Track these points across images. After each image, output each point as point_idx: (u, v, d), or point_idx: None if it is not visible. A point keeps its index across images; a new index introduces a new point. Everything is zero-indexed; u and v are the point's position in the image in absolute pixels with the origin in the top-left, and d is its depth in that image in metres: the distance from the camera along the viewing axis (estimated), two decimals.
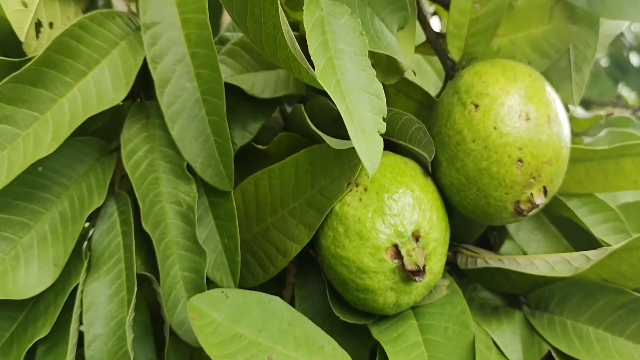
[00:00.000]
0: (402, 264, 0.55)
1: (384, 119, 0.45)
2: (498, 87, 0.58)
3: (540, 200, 0.57)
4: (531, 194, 0.57)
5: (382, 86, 0.45)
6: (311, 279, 0.64)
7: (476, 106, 0.58)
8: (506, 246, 0.75)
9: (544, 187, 0.58)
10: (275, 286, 0.66)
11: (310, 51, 0.44)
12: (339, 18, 0.46)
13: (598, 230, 0.67)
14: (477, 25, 0.62)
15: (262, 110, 0.70)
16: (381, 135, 0.45)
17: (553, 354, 0.59)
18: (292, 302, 0.64)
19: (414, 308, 0.61)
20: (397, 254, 0.55)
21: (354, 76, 0.45)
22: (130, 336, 0.53)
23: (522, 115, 0.57)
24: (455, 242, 0.67)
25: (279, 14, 0.44)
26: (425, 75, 0.92)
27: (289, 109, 0.76)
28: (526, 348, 0.60)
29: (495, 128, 0.57)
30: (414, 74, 0.66)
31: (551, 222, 0.69)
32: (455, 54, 0.65)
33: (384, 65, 0.64)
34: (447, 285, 0.61)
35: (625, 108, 2.01)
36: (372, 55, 0.65)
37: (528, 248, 0.67)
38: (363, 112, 0.44)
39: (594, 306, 0.59)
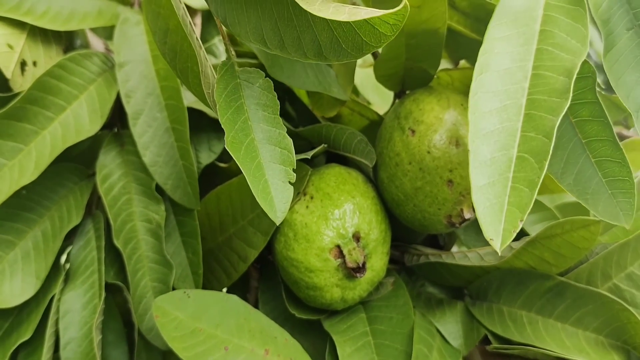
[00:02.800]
0: (344, 262, 0.61)
1: (293, 170, 0.51)
2: (433, 115, 0.64)
3: (469, 215, 0.63)
4: (461, 210, 0.63)
5: (291, 141, 0.52)
6: (273, 283, 0.71)
7: (413, 131, 0.64)
8: (456, 247, 0.82)
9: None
10: (241, 290, 0.72)
11: (223, 118, 0.51)
12: (254, 83, 0.54)
13: (536, 229, 0.74)
14: None
15: None
16: (291, 184, 0.51)
17: (489, 336, 0.65)
18: (256, 305, 0.71)
19: (364, 303, 0.67)
20: (340, 254, 0.62)
21: (267, 134, 0.52)
22: (97, 337, 0.60)
23: (453, 141, 0.63)
24: (404, 242, 0.74)
25: (195, 52, 0.52)
26: None
27: None
28: (466, 334, 0.66)
29: (428, 152, 0.63)
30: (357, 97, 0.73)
31: None
32: None
33: (325, 99, 0.72)
34: (392, 282, 0.68)
35: None
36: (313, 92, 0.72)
37: (474, 247, 0.73)
38: (274, 164, 0.51)
39: (525, 292, 0.65)
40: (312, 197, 0.64)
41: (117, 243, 0.66)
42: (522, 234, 0.71)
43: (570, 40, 0.49)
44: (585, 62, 0.53)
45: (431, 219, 0.64)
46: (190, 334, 0.57)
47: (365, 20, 0.43)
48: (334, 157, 0.73)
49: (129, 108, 0.70)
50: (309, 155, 0.64)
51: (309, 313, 0.66)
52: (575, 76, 0.46)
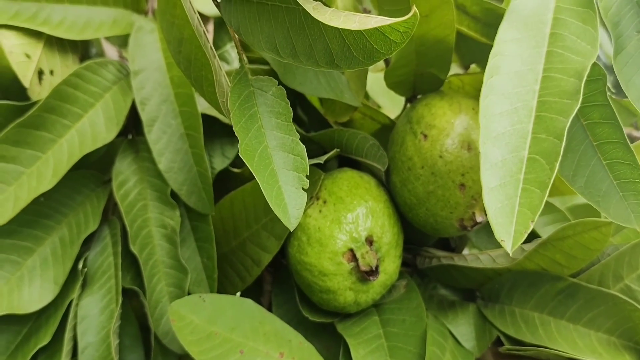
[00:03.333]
0: (357, 266, 0.62)
1: (306, 176, 0.52)
2: (445, 119, 0.65)
3: (481, 218, 0.64)
4: (473, 213, 0.64)
5: (304, 148, 0.52)
6: (286, 287, 0.72)
7: (425, 136, 0.65)
8: (467, 250, 0.82)
9: None
10: (254, 294, 0.73)
11: (237, 126, 0.52)
12: (267, 91, 0.55)
13: (547, 231, 0.74)
14: None
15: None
16: (304, 190, 0.51)
17: (502, 338, 0.65)
18: (269, 309, 0.71)
19: (377, 306, 0.68)
20: (353, 257, 0.63)
21: (280, 141, 0.52)
22: (114, 342, 0.61)
23: (465, 146, 0.63)
24: (416, 245, 0.75)
25: (209, 61, 0.53)
26: None
27: None
28: (479, 336, 0.66)
29: (440, 157, 0.64)
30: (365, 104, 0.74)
31: None
32: None
33: (337, 105, 0.73)
34: (405, 284, 0.68)
35: None
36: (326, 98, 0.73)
37: (485, 250, 0.74)
38: (287, 171, 0.51)
39: (537, 294, 0.65)
40: (325, 202, 0.65)
41: (134, 249, 0.67)
42: (533, 235, 0.71)
43: (580, 43, 0.50)
44: (595, 65, 0.53)
45: (443, 222, 0.65)
46: (206, 338, 0.58)
47: (376, 28, 0.43)
48: (347, 161, 0.74)
49: (144, 115, 0.71)
50: (321, 160, 0.65)
51: (323, 316, 0.67)
52: (585, 78, 0.47)
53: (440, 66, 0.67)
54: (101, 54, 0.82)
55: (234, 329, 0.59)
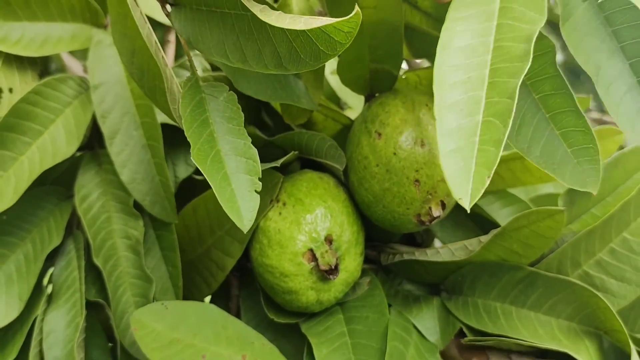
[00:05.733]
0: (317, 265, 0.63)
1: (259, 179, 0.53)
2: (398, 117, 0.65)
3: (437, 212, 0.65)
4: (430, 208, 0.65)
5: (256, 151, 0.53)
6: (253, 290, 0.72)
7: (379, 134, 0.66)
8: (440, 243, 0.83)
9: (441, 201, 0.65)
10: (223, 299, 0.74)
11: (188, 131, 0.52)
12: (219, 96, 0.55)
13: None
14: None
15: None
16: (257, 193, 0.53)
17: (465, 329, 0.66)
18: (238, 312, 0.72)
19: (342, 304, 0.69)
20: (313, 257, 0.63)
21: (232, 145, 0.53)
22: (79, 355, 0.62)
23: (418, 142, 0.64)
24: (381, 242, 0.76)
25: (161, 70, 0.54)
26: None
27: None
28: (443, 329, 0.67)
29: (394, 154, 0.64)
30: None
31: (468, 219, 0.77)
32: None
33: (294, 108, 0.73)
34: (368, 281, 0.69)
35: None
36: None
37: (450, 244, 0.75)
38: (240, 174, 0.52)
39: (498, 284, 0.66)
40: (284, 204, 0.66)
41: (97, 261, 0.68)
42: (496, 226, 0.72)
43: (528, 13, 0.50)
44: (545, 38, 0.54)
45: (401, 218, 0.66)
46: (168, 345, 0.59)
47: (320, 29, 0.44)
48: (309, 162, 0.75)
49: (105, 128, 0.72)
50: (278, 163, 0.66)
51: (288, 317, 0.68)
52: (534, 40, 0.47)
53: (392, 61, 0.68)
54: (61, 69, 0.83)
55: (196, 334, 0.60)
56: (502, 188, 0.77)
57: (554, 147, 0.54)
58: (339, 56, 0.67)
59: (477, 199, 0.43)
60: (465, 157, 0.44)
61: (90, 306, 0.68)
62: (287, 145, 0.73)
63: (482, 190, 0.43)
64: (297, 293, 0.64)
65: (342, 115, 0.80)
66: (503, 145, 0.44)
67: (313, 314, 0.68)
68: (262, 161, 0.69)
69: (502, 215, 0.76)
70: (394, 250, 0.72)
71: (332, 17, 0.61)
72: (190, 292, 0.71)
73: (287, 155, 0.68)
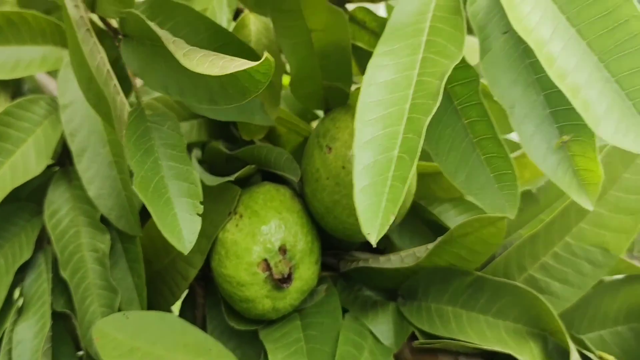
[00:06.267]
0: (271, 274, 0.66)
1: (200, 202, 0.57)
2: (347, 132, 0.68)
3: None
4: None
5: (197, 175, 0.57)
6: (217, 299, 0.75)
7: (330, 149, 0.69)
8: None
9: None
10: (191, 308, 0.77)
11: (132, 160, 0.56)
12: (163, 125, 0.59)
13: None
14: None
15: None
16: (198, 215, 0.56)
17: (416, 333, 0.68)
18: (204, 321, 0.75)
19: (300, 310, 0.71)
20: (267, 267, 0.66)
21: (175, 171, 0.57)
22: None
23: None
24: (342, 250, 0.78)
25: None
26: None
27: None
28: (396, 333, 0.70)
29: (343, 167, 0.67)
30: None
31: (426, 226, 0.80)
32: None
33: (251, 125, 0.77)
34: (325, 288, 0.72)
35: None
36: None
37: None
38: (182, 198, 0.56)
39: (450, 289, 0.68)
40: (241, 216, 0.69)
41: (64, 274, 0.71)
42: None
43: (449, 47, 0.52)
44: (470, 67, 0.57)
45: (352, 229, 0.69)
46: (127, 353, 0.62)
47: (242, 71, 0.47)
48: (270, 174, 0.77)
49: (73, 146, 0.75)
50: (232, 177, 0.69)
51: (248, 324, 0.71)
52: (445, 79, 0.49)
53: (344, 79, 0.71)
54: (34, 89, 0.86)
55: (155, 342, 0.63)
56: (459, 196, 0.80)
57: (479, 171, 0.56)
58: (290, 75, 0.70)
59: (382, 235, 0.45)
60: (378, 193, 0.46)
61: (59, 317, 0.71)
62: (248, 158, 0.76)
63: (387, 227, 0.45)
64: (253, 301, 0.67)
65: (304, 128, 0.83)
66: (408, 183, 0.46)
67: (272, 320, 0.71)
68: (226, 174, 0.73)
69: (457, 222, 0.77)
70: (352, 257, 0.75)
71: (280, 39, 0.65)
72: (157, 302, 0.74)
73: (242, 170, 0.71)
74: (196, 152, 0.87)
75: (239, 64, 0.46)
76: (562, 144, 0.48)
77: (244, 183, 0.74)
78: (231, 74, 0.47)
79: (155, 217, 0.54)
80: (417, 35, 0.53)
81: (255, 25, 0.76)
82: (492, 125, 0.56)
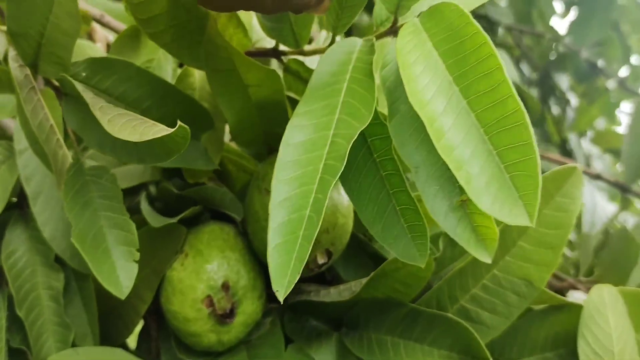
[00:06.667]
0: (215, 310, 0.69)
1: (137, 250, 0.61)
2: None
3: (322, 260, 0.71)
4: (315, 256, 0.71)
5: (134, 225, 0.61)
6: (170, 332, 0.78)
7: (267, 191, 0.72)
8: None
9: (327, 250, 0.71)
10: (146, 341, 0.80)
11: (71, 213, 0.60)
12: (101, 178, 0.62)
13: None
14: None
15: (127, 198, 0.86)
16: (135, 261, 0.60)
17: None
18: (158, 353, 0.78)
19: (247, 342, 0.75)
20: (211, 303, 0.70)
21: (113, 221, 0.60)
22: None
23: None
24: None
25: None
26: None
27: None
28: None
29: None
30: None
31: (370, 259, 0.83)
32: None
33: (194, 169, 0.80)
34: (270, 321, 0.75)
35: None
36: None
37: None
38: (120, 246, 0.60)
39: (387, 319, 0.72)
40: (187, 255, 0.73)
41: (19, 312, 0.74)
42: None
43: (361, 109, 0.56)
44: (384, 125, 0.60)
45: None
46: None
47: (164, 136, 0.50)
48: (220, 213, 0.81)
49: (29, 190, 0.78)
50: (176, 219, 0.73)
51: (197, 357, 0.74)
52: (351, 143, 0.53)
53: (281, 126, 0.74)
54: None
55: None
56: None
57: (394, 222, 0.59)
58: (229, 125, 0.73)
59: (287, 293, 0.48)
60: (289, 251, 0.50)
61: (15, 353, 0.74)
62: (197, 198, 0.80)
63: (292, 285, 0.48)
64: (199, 336, 0.71)
65: (251, 167, 0.86)
66: (312, 243, 0.49)
67: (220, 352, 0.74)
68: (177, 212, 0.77)
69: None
70: (298, 289, 0.79)
71: (217, 96, 0.67)
72: (112, 336, 0.78)
73: (187, 211, 0.74)
74: (152, 189, 0.91)
75: (157, 130, 0.50)
76: (462, 202, 0.51)
77: (193, 221, 0.78)
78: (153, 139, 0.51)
79: (92, 267, 0.57)
80: (335, 95, 0.57)
81: (200, 73, 0.80)
82: (403, 179, 0.59)
